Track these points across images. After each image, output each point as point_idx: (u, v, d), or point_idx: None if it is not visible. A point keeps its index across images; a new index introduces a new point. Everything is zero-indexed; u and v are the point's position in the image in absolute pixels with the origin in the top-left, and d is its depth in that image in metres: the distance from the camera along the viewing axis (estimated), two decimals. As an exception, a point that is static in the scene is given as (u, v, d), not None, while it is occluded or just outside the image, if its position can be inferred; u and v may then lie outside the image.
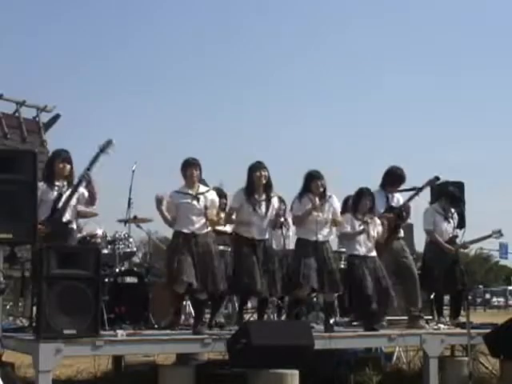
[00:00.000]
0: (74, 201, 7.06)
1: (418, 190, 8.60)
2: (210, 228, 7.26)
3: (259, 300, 7.75)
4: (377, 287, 7.77)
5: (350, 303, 8.02)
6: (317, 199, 7.59)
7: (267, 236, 7.51)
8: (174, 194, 7.24)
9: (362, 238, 7.91)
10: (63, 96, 60.40)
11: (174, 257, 7.02)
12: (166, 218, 7.14)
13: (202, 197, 7.22)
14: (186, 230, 7.12)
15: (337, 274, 7.63)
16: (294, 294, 7.73)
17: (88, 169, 7.00)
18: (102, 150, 7.03)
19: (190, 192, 7.21)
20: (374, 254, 8.00)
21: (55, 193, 6.99)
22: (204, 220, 7.17)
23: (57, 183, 7.05)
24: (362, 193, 8.05)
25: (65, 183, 7.09)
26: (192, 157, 7.33)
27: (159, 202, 7.09)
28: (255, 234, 7.40)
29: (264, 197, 7.47)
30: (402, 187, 8.66)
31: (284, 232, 7.91)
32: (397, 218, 8.40)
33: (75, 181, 7.07)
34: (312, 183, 7.63)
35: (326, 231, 7.68)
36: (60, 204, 6.96)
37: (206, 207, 7.16)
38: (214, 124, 67.23)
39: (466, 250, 9.06)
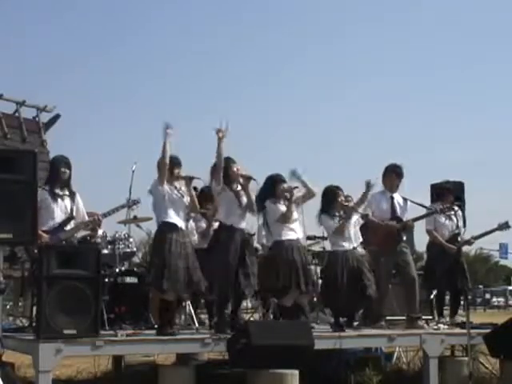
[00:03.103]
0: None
1: (434, 212, 8.60)
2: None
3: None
4: (354, 283, 7.72)
5: (324, 300, 8.11)
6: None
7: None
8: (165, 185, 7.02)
9: (347, 231, 7.89)
10: (63, 96, 60.45)
11: (165, 258, 6.77)
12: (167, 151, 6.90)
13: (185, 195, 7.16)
14: (179, 224, 6.98)
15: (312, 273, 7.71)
16: (282, 301, 7.58)
17: (105, 215, 7.28)
18: (129, 205, 7.52)
19: (180, 189, 7.11)
20: (355, 245, 7.95)
21: (57, 202, 7.04)
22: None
23: (57, 191, 7.09)
24: (334, 192, 7.99)
25: (66, 192, 7.15)
26: (175, 155, 7.13)
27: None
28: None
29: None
30: (413, 197, 8.64)
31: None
32: (399, 231, 8.36)
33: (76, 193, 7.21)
34: (277, 187, 7.61)
35: (300, 230, 7.68)
36: (67, 227, 7.09)
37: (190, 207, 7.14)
38: (213, 123, 67.08)
39: (466, 250, 9.03)
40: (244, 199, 7.26)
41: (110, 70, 69.02)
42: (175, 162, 7.09)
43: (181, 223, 7.01)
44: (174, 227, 6.91)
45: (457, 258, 8.74)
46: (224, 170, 7.12)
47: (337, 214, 7.99)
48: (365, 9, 75.03)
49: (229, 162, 7.22)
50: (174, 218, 6.96)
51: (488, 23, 75.84)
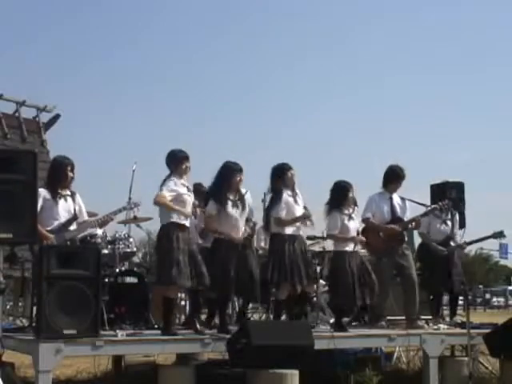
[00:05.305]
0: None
1: (434, 209, 8.59)
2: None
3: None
4: (360, 282, 7.75)
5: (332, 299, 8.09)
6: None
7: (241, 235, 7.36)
8: (175, 180, 7.00)
9: (350, 234, 7.88)
10: (63, 96, 60.46)
11: (172, 255, 6.79)
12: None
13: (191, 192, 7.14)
14: (185, 223, 6.95)
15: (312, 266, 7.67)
16: (275, 295, 7.65)
17: (112, 217, 7.30)
18: (130, 208, 7.52)
19: (187, 185, 7.10)
20: (359, 248, 7.97)
21: (59, 201, 7.01)
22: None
23: (59, 191, 7.07)
24: (346, 187, 7.96)
25: (67, 192, 7.12)
26: (180, 149, 7.10)
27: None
28: (237, 235, 7.28)
29: (237, 197, 7.36)
30: (413, 197, 8.62)
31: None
32: (401, 232, 8.34)
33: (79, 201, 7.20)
34: (285, 176, 7.63)
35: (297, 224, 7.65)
36: (71, 227, 7.07)
37: (195, 205, 7.09)
38: (214, 123, 67.23)
39: (466, 251, 9.06)
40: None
41: (110, 70, 69.07)
42: (186, 156, 7.07)
43: (188, 222, 7.00)
44: (183, 228, 6.92)
45: (451, 261, 8.75)
46: (227, 178, 7.25)
47: (346, 212, 7.94)
48: (365, 10, 75.04)
49: (234, 172, 7.29)
50: (184, 218, 6.94)
51: (488, 23, 75.87)
